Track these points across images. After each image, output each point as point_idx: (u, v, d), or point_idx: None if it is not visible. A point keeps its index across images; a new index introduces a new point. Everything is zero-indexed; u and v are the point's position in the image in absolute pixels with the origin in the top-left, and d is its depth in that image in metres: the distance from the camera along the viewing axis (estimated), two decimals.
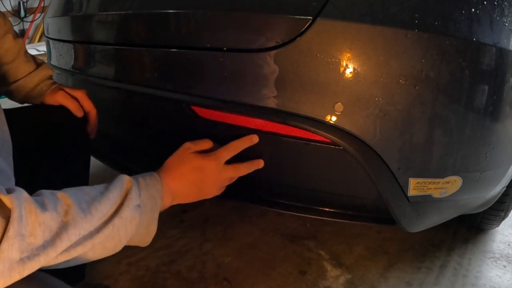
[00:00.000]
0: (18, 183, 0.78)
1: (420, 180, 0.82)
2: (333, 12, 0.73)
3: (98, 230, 0.54)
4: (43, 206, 0.49)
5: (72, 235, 0.50)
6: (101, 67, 1.07)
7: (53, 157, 0.85)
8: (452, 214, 1.01)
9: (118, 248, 0.58)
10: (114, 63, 1.04)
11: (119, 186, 0.59)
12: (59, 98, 0.88)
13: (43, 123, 0.86)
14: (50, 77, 0.93)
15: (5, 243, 0.44)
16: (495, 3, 0.78)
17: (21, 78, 0.89)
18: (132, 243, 0.62)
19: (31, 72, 0.90)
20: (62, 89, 0.89)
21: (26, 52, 0.92)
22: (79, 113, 0.88)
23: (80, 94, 0.90)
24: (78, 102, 0.89)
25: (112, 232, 0.55)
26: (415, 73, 0.73)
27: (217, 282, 1.13)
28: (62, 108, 0.88)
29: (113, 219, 0.55)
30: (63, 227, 0.49)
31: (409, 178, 0.81)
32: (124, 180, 0.61)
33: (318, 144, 0.79)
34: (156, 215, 0.64)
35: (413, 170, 0.80)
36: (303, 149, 0.81)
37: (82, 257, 0.54)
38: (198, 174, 0.72)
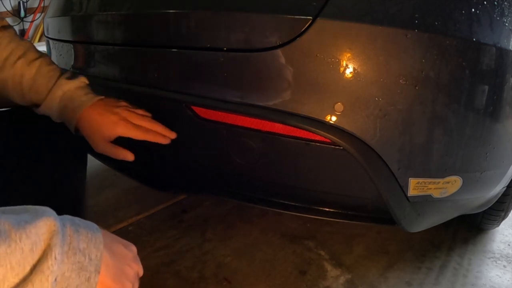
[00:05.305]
0: (13, 182, 0.77)
1: (420, 180, 0.82)
2: (333, 12, 0.73)
3: None
4: None
5: None
6: (101, 67, 1.07)
7: (48, 156, 0.84)
8: (452, 214, 1.01)
9: None
10: (114, 63, 1.04)
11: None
12: (119, 130, 0.76)
13: (39, 123, 0.85)
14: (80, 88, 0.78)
15: None
16: (495, 3, 0.78)
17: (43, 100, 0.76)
18: None
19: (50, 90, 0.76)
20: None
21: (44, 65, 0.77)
22: (163, 140, 0.79)
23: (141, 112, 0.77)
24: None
25: None
26: (415, 73, 0.73)
27: (217, 282, 1.13)
28: None
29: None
30: None
31: (409, 178, 0.81)
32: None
33: (318, 144, 0.79)
34: (93, 268, 0.43)
35: (413, 170, 0.80)
36: (303, 149, 0.81)
37: None
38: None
